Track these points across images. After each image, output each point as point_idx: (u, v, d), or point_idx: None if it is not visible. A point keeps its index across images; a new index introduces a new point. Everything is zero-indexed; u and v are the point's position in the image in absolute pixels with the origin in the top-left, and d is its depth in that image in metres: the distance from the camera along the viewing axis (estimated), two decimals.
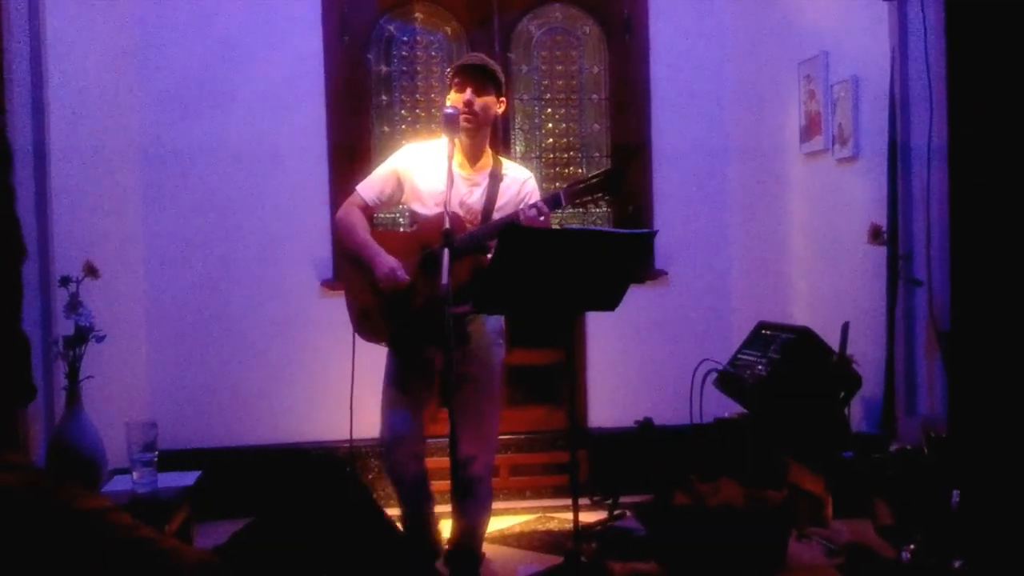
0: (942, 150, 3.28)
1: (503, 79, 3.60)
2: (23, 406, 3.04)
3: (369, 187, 3.61)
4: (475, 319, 3.50)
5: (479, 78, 3.49)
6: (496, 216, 3.48)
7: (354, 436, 4.22)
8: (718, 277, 5.20)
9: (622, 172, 3.30)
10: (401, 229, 4.90)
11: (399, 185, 3.59)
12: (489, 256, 3.42)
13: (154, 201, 4.82)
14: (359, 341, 3.55)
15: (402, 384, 3.58)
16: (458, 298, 3.06)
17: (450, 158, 3.31)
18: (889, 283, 3.75)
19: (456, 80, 3.51)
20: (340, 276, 3.73)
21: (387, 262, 3.41)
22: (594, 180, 3.26)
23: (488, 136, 3.58)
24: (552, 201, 3.29)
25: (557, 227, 4.41)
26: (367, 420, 3.84)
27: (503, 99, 3.58)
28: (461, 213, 3.29)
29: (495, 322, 3.59)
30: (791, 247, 4.85)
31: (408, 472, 3.61)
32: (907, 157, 3.65)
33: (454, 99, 3.48)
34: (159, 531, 1.65)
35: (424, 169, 3.55)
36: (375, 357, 3.61)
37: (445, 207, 3.17)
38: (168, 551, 1.55)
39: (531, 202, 3.53)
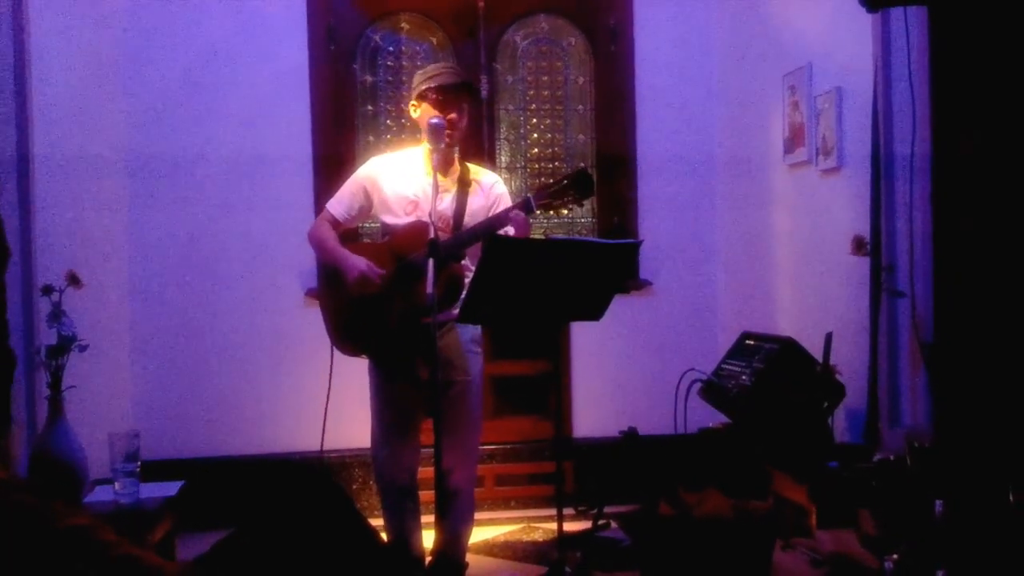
0: (925, 161, 3.29)
1: (478, 91, 3.62)
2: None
3: (338, 202, 3.62)
4: (451, 328, 3.49)
5: (463, 97, 3.50)
6: (467, 221, 3.48)
7: (338, 445, 4.24)
8: (703, 287, 5.22)
9: (588, 173, 3.31)
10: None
11: (368, 197, 3.59)
12: (464, 264, 3.42)
13: (138, 210, 4.81)
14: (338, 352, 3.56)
15: (390, 398, 3.57)
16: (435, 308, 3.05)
17: (435, 168, 3.31)
18: (872, 294, 3.76)
19: (436, 98, 3.47)
20: (317, 292, 3.72)
21: (357, 264, 3.41)
22: (564, 182, 3.27)
23: (458, 144, 3.60)
24: (523, 206, 3.29)
25: (542, 237, 4.41)
26: (349, 429, 3.84)
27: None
28: (433, 220, 3.27)
29: (471, 330, 3.59)
30: (775, 257, 4.86)
31: (399, 485, 3.60)
32: (890, 168, 3.67)
33: (431, 114, 3.46)
34: (142, 545, 1.64)
35: (391, 178, 3.56)
36: (357, 366, 3.60)
37: (430, 216, 3.17)
38: (151, 568, 1.54)
39: (501, 205, 3.54)
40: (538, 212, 3.36)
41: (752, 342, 3.95)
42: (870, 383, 3.77)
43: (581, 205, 3.61)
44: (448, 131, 3.39)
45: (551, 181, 3.37)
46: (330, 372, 3.48)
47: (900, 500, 2.97)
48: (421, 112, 3.51)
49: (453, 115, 3.44)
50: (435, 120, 3.38)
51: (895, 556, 2.81)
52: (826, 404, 3.65)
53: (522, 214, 3.27)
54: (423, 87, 3.50)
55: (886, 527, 2.95)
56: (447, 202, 3.50)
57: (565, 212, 3.39)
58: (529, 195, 3.34)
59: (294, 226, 4.67)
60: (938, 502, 2.75)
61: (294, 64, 4.93)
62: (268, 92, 4.90)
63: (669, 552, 3.27)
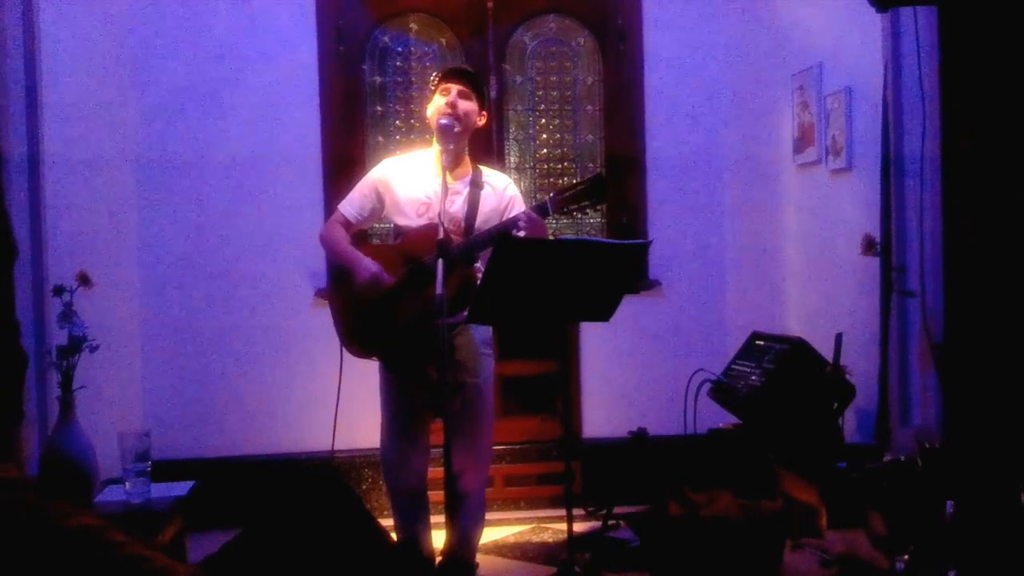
0: (935, 161, 3.29)
1: (487, 93, 3.60)
2: (12, 427, 3.03)
3: (350, 204, 3.62)
4: (463, 330, 3.49)
5: (465, 83, 3.51)
6: (479, 224, 3.48)
7: (348, 446, 4.25)
8: (712, 287, 5.20)
9: (604, 179, 3.30)
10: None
11: (379, 199, 3.59)
12: (476, 267, 3.42)
13: (149, 210, 4.82)
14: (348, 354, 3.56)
15: (400, 399, 3.57)
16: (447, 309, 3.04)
17: (444, 170, 3.32)
18: (882, 294, 3.75)
19: (442, 84, 3.51)
20: (327, 293, 3.73)
21: (368, 267, 3.41)
22: (580, 187, 3.27)
23: (467, 145, 3.58)
24: (540, 210, 3.29)
25: (551, 237, 4.41)
26: (360, 430, 3.84)
27: (484, 113, 3.58)
28: (444, 222, 3.26)
29: (483, 332, 3.58)
30: (785, 257, 4.85)
31: (409, 487, 3.60)
32: (900, 168, 3.66)
33: (437, 104, 3.48)
34: (152, 546, 1.65)
35: (403, 180, 3.55)
36: (366, 366, 3.60)
37: (439, 218, 3.17)
38: (161, 569, 1.54)
39: (514, 207, 3.53)
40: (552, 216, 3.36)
41: (762, 342, 3.95)
42: (880, 383, 3.76)
43: (596, 209, 3.61)
44: (448, 113, 3.42)
45: (567, 185, 3.37)
46: (340, 372, 3.48)
47: (910, 501, 2.96)
48: (433, 103, 3.52)
49: (452, 95, 3.45)
50: (443, 120, 3.39)
51: (905, 557, 2.81)
52: (836, 404, 3.65)
53: (537, 217, 3.26)
54: (433, 81, 3.55)
55: (896, 527, 2.95)
56: (459, 204, 3.49)
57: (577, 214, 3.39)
58: (545, 199, 3.33)
59: (304, 226, 4.68)
60: (949, 503, 2.75)
61: (303, 65, 4.94)
62: (277, 93, 4.90)
63: (679, 552, 3.27)
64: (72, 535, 1.48)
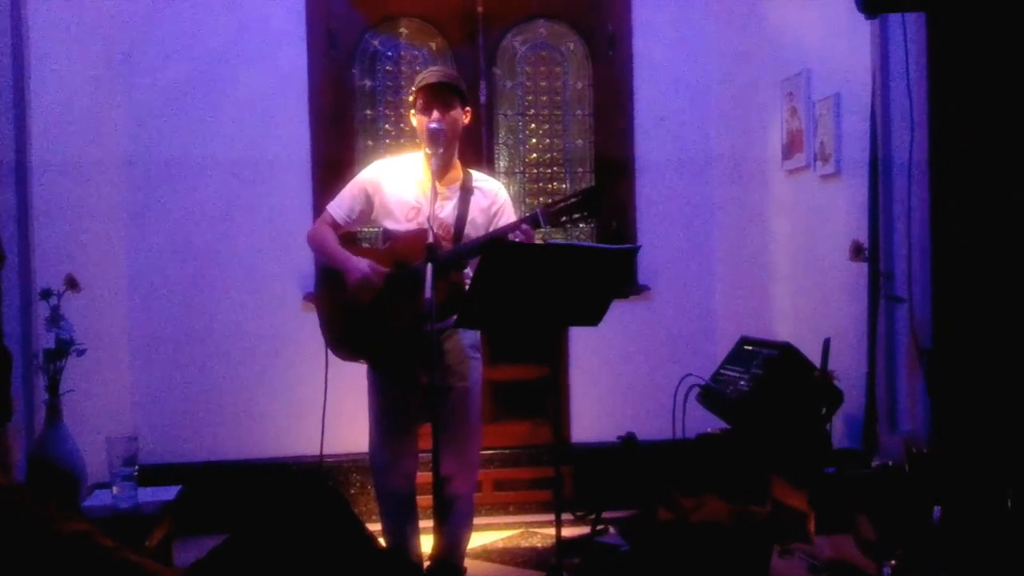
0: (923, 167, 3.30)
1: (465, 88, 3.58)
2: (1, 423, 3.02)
3: (339, 205, 3.60)
4: (451, 334, 3.49)
5: (442, 96, 3.46)
6: (468, 229, 3.47)
7: (336, 450, 4.24)
8: (701, 292, 5.21)
9: (600, 190, 3.29)
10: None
11: (368, 201, 3.57)
12: (465, 273, 3.41)
13: (137, 215, 4.80)
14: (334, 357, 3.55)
15: (388, 404, 3.56)
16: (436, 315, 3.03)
17: (434, 174, 3.31)
18: (870, 299, 3.76)
19: (420, 102, 3.48)
20: (315, 295, 3.70)
21: (359, 267, 3.39)
22: (573, 200, 3.26)
23: (456, 149, 3.57)
24: (531, 221, 3.28)
25: (540, 242, 4.41)
26: (347, 434, 3.83)
27: (468, 108, 3.57)
28: (434, 228, 3.21)
29: (471, 336, 3.58)
30: (774, 263, 4.86)
31: (398, 491, 3.59)
32: (888, 174, 3.67)
33: (420, 121, 3.47)
34: (139, 550, 1.64)
35: (393, 183, 3.54)
36: (354, 370, 3.60)
37: (428, 222, 3.16)
38: (149, 574, 1.54)
39: (504, 214, 3.53)
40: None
41: (750, 348, 3.95)
42: (868, 389, 3.77)
43: (588, 222, 3.58)
44: (439, 119, 3.40)
45: (560, 196, 3.36)
46: (325, 377, 3.48)
47: (898, 506, 2.97)
48: (416, 118, 3.51)
49: (436, 114, 3.43)
50: (433, 125, 3.38)
51: (893, 562, 2.81)
52: (824, 410, 3.65)
53: (529, 228, 3.26)
54: (412, 92, 3.53)
55: (885, 533, 2.95)
56: (448, 209, 3.48)
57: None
58: (537, 211, 3.33)
59: (292, 230, 4.67)
60: (937, 508, 2.76)
61: (293, 69, 4.93)
62: (267, 97, 4.90)
63: (667, 558, 3.27)
64: (64, 541, 1.47)
